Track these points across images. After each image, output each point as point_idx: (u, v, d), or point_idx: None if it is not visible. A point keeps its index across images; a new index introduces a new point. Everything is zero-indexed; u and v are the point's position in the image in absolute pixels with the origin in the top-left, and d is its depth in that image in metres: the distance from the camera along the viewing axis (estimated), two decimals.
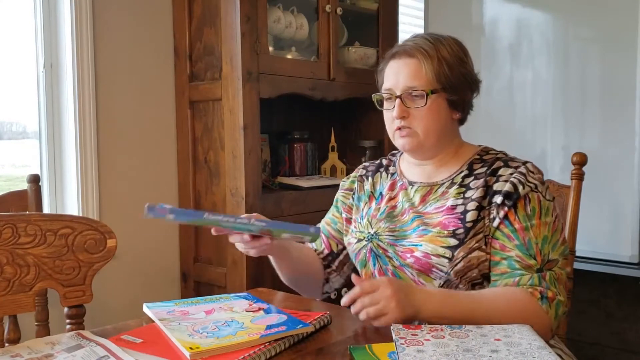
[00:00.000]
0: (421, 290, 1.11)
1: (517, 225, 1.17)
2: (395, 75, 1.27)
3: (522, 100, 2.61)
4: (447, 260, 1.18)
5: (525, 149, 2.48)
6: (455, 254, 1.17)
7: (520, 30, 2.60)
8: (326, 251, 1.44)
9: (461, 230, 1.19)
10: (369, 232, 1.32)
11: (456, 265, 1.17)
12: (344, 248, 1.43)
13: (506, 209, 1.18)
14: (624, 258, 2.32)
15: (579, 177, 1.56)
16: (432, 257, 1.19)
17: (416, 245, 1.22)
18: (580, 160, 1.56)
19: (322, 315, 1.11)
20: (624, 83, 2.30)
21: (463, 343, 0.92)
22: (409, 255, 1.23)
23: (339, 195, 1.47)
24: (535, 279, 1.14)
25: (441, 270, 1.19)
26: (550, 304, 1.12)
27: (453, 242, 1.18)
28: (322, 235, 1.45)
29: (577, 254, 1.56)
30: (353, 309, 1.09)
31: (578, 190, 1.55)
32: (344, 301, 1.10)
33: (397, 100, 1.25)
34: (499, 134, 2.48)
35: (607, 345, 2.62)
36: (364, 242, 1.32)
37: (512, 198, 1.18)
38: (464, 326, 1.00)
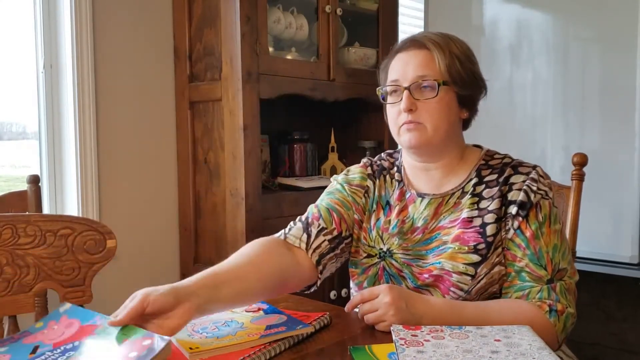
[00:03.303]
0: (423, 299, 1.09)
1: (528, 234, 1.14)
2: (404, 66, 1.20)
3: (522, 100, 2.60)
4: (469, 278, 1.13)
5: (525, 149, 2.48)
6: (479, 270, 1.13)
7: (520, 31, 2.59)
8: (335, 232, 1.25)
9: (483, 246, 1.14)
10: (381, 249, 1.24)
11: (479, 282, 1.14)
12: (349, 237, 1.28)
13: (520, 219, 1.15)
14: (624, 259, 2.32)
15: (580, 177, 1.55)
16: (453, 274, 1.14)
17: (434, 264, 1.18)
18: (581, 161, 1.56)
19: (322, 316, 1.11)
20: (624, 83, 2.30)
21: (463, 344, 0.92)
22: (426, 276, 1.18)
23: (348, 188, 1.30)
24: (544, 292, 1.11)
25: (461, 289, 1.14)
26: (559, 317, 1.10)
27: (475, 258, 1.14)
28: (333, 214, 1.27)
29: (577, 254, 1.55)
30: (359, 315, 1.10)
31: (578, 190, 1.55)
32: (347, 308, 1.11)
33: (405, 92, 1.18)
34: (499, 134, 2.48)
35: (607, 346, 2.61)
36: (375, 259, 1.25)
37: (525, 207, 1.15)
38: (463, 327, 1.00)
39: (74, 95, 2.04)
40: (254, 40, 2.12)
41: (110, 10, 2.15)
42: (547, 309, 1.10)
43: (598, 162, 2.00)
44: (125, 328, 0.93)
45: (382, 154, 1.37)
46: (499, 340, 0.93)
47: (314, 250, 1.23)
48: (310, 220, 1.27)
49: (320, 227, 1.25)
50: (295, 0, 2.38)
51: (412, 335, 0.95)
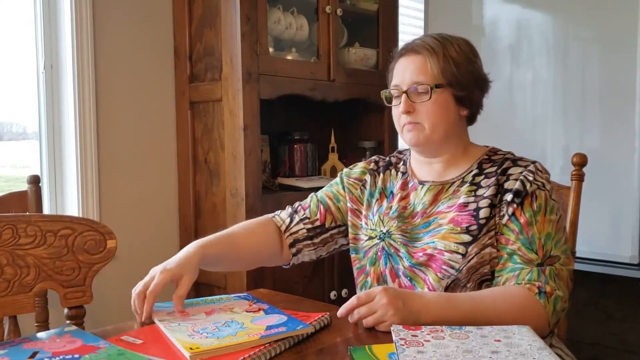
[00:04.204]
0: (419, 296, 1.11)
1: (522, 220, 1.19)
2: (402, 72, 1.29)
3: (522, 100, 2.61)
4: (460, 257, 1.19)
5: (525, 149, 2.46)
6: (469, 250, 1.19)
7: (520, 31, 2.60)
8: (318, 222, 1.41)
9: (474, 227, 1.20)
10: (381, 231, 1.32)
11: (469, 261, 1.19)
12: (336, 227, 1.41)
13: (515, 206, 1.20)
14: (624, 259, 2.32)
15: (579, 178, 1.56)
16: (445, 253, 1.20)
17: (428, 243, 1.24)
18: (581, 161, 1.56)
19: (322, 316, 1.11)
20: (624, 83, 2.30)
21: (463, 344, 0.92)
22: (421, 254, 1.24)
23: (346, 181, 1.44)
24: (534, 273, 1.15)
25: (452, 267, 1.19)
26: (549, 298, 1.12)
27: (467, 238, 1.20)
28: (320, 206, 1.42)
29: (577, 254, 1.56)
30: (351, 319, 1.10)
31: (578, 191, 1.55)
32: (340, 312, 1.10)
33: (403, 95, 1.27)
34: (499, 134, 2.47)
35: (607, 346, 2.62)
36: (375, 240, 1.32)
37: (520, 195, 1.20)
38: (464, 327, 1.00)
39: (74, 95, 2.05)
40: (254, 40, 2.12)
41: (111, 10, 2.15)
42: (537, 290, 1.13)
43: (598, 162, 2.00)
44: (129, 354, 0.93)
45: (395, 152, 1.48)
46: (499, 341, 0.93)
47: (290, 234, 1.40)
48: (298, 208, 1.44)
49: (304, 216, 1.42)
50: (295, 1, 2.38)
51: (412, 336, 0.95)
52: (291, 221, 1.41)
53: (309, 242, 1.40)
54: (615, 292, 2.60)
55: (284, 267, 1.44)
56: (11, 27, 2.07)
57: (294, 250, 1.39)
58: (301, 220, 1.40)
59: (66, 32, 2.04)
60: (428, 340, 0.93)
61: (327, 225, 1.41)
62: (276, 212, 1.45)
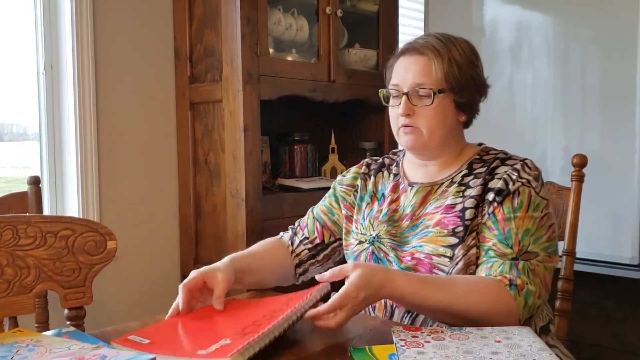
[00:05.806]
0: (383, 270, 1.10)
1: (499, 217, 1.18)
2: (404, 72, 1.25)
3: (523, 101, 2.61)
4: (448, 260, 1.18)
5: (525, 150, 2.46)
6: (456, 252, 1.17)
7: (521, 32, 2.60)
8: (317, 240, 1.41)
9: (461, 229, 1.19)
10: (371, 235, 1.31)
11: (457, 264, 1.18)
12: (335, 241, 1.41)
13: (495, 204, 1.18)
14: (624, 260, 2.32)
15: (579, 178, 1.56)
16: (433, 257, 1.19)
17: (416, 247, 1.22)
18: (581, 162, 1.56)
19: (320, 287, 1.11)
20: (624, 84, 2.30)
21: (463, 345, 0.92)
22: (409, 258, 1.22)
23: (338, 189, 1.44)
24: (506, 266, 1.13)
25: (442, 271, 1.18)
26: (519, 291, 1.10)
27: (453, 240, 1.18)
28: (316, 223, 1.43)
29: (577, 255, 1.55)
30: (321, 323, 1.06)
31: (578, 191, 1.55)
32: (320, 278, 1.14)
33: (404, 97, 1.24)
34: (499, 135, 2.47)
35: (607, 347, 2.61)
36: (365, 245, 1.31)
37: (502, 194, 1.19)
38: (464, 328, 1.00)
39: (75, 96, 2.05)
40: (254, 41, 2.12)
41: (111, 11, 2.15)
42: (507, 282, 1.11)
43: (598, 163, 2.00)
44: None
45: (389, 153, 1.46)
46: (499, 342, 0.93)
47: (295, 256, 1.41)
48: (297, 229, 1.45)
49: (304, 236, 1.42)
50: (295, 2, 2.38)
51: (412, 337, 0.95)
52: (292, 243, 1.42)
53: (313, 260, 1.41)
54: (616, 293, 2.60)
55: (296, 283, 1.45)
56: (11, 27, 2.07)
57: (300, 270, 1.41)
58: (301, 241, 1.41)
59: (66, 33, 2.05)
60: (428, 341, 0.93)
61: (326, 241, 1.42)
62: (281, 233, 1.47)
